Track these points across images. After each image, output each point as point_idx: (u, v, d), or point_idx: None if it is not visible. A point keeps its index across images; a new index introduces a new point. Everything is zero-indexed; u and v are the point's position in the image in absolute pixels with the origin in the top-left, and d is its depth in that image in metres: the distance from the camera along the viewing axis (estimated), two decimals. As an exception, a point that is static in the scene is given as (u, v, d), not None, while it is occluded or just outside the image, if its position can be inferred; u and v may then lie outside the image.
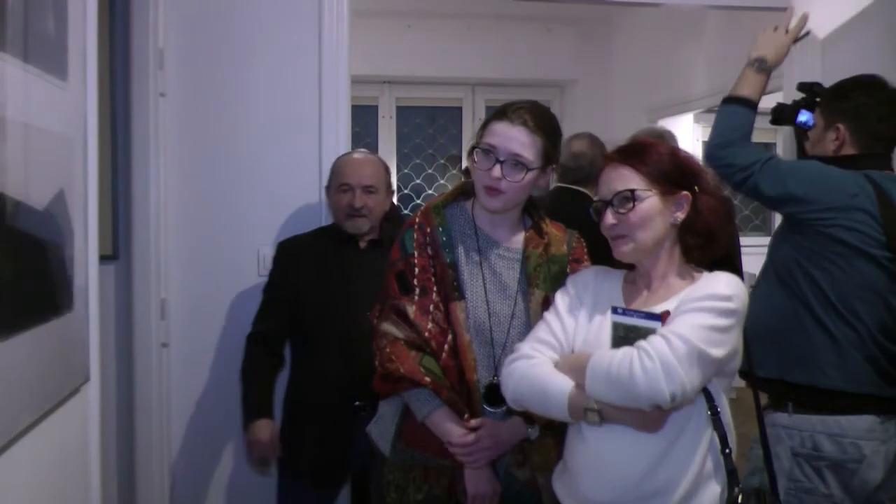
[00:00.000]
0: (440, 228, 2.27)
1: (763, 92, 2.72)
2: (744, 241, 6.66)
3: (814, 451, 2.53)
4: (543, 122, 2.20)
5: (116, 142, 3.01)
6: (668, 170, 1.96)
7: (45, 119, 1.62)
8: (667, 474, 1.86)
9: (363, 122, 7.33)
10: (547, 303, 2.20)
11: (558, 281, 2.23)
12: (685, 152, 2.03)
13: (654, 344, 1.78)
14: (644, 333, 1.86)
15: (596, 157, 3.14)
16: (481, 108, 7.51)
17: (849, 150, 2.65)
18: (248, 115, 3.17)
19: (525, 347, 2.01)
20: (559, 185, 3.66)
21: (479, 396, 2.20)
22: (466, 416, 2.18)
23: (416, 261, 2.25)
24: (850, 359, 2.50)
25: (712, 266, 2.02)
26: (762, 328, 2.60)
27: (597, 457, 1.94)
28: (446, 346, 2.20)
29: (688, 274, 1.99)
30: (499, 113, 2.20)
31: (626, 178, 1.95)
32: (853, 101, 2.66)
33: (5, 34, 1.41)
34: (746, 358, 2.68)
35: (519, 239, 2.30)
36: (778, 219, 3.69)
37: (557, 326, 2.03)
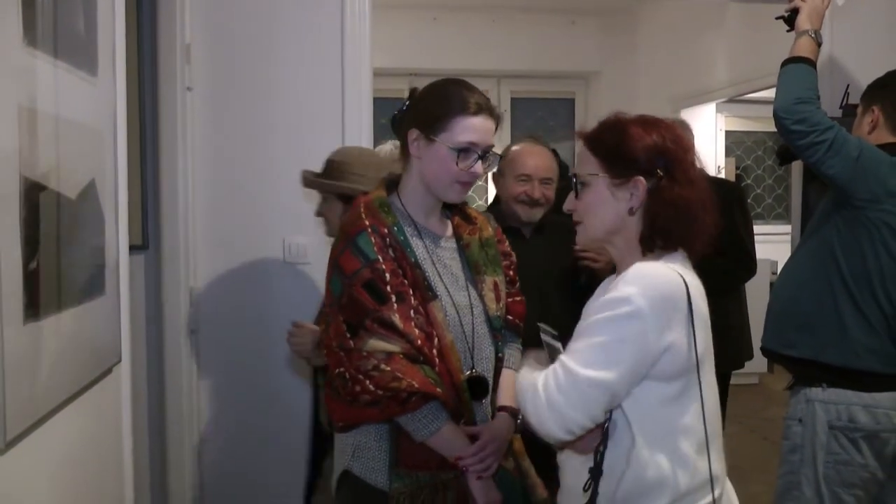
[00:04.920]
0: (395, 227, 2.11)
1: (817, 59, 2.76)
2: (766, 228, 6.72)
3: (850, 422, 2.63)
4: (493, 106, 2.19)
5: (145, 135, 3.09)
6: (621, 151, 1.78)
7: (77, 112, 1.71)
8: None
9: (389, 114, 7.38)
10: (496, 287, 2.19)
11: (498, 263, 2.23)
12: (659, 131, 1.79)
13: (546, 380, 1.70)
14: (556, 353, 1.79)
15: None
16: (507, 100, 7.56)
17: (882, 132, 2.75)
18: (272, 108, 3.24)
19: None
20: None
21: (467, 396, 2.10)
22: (463, 421, 2.10)
23: (382, 266, 2.05)
24: (880, 340, 2.61)
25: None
26: (795, 309, 2.70)
27: (559, 466, 1.94)
28: (434, 351, 2.07)
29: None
30: (466, 105, 2.10)
31: (582, 161, 1.84)
32: (889, 87, 2.78)
33: (36, 32, 1.49)
34: (773, 336, 2.77)
35: (448, 227, 2.24)
36: (794, 207, 3.75)
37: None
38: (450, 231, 2.23)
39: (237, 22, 3.21)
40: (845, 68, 3.54)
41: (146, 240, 3.15)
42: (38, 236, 1.49)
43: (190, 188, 3.16)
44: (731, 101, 6.05)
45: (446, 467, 2.07)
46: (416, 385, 1.98)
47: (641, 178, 1.76)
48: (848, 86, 3.39)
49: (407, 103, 2.25)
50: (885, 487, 2.69)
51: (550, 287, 2.77)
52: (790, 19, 2.86)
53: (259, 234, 3.25)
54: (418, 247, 2.13)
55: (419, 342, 2.03)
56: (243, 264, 3.26)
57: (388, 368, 1.98)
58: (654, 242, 1.79)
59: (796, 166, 3.79)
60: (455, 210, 2.26)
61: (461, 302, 2.14)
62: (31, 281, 1.46)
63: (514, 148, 3.01)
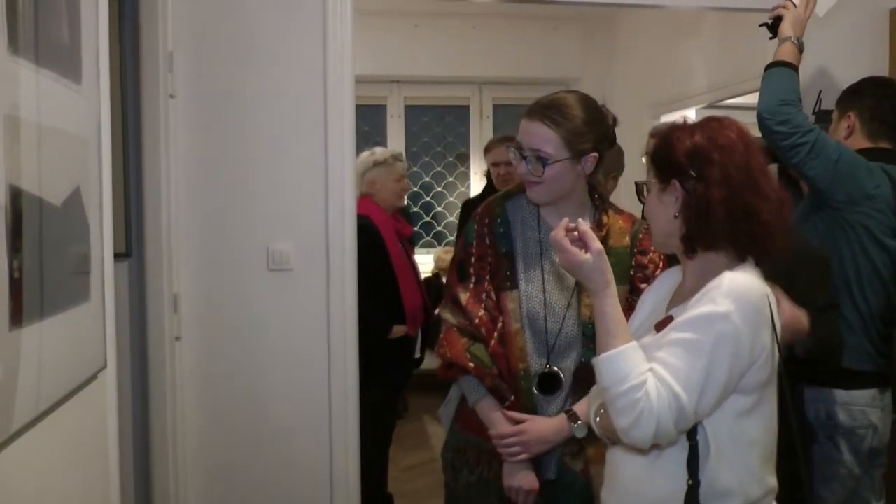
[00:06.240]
0: (498, 220, 2.34)
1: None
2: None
3: (828, 420, 2.70)
4: (565, 114, 2.21)
5: (128, 143, 3.09)
6: (663, 156, 1.82)
7: (61, 120, 1.71)
8: (656, 492, 1.78)
9: (372, 121, 7.43)
10: None
11: (615, 274, 2.15)
12: (702, 132, 1.79)
13: (658, 390, 1.66)
14: None
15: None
16: (488, 107, 7.61)
17: (858, 138, 2.83)
18: (255, 115, 3.25)
19: None
20: None
21: (526, 385, 2.24)
22: (507, 403, 2.24)
23: (473, 250, 2.34)
24: (857, 339, 2.67)
25: None
26: None
27: (609, 463, 1.93)
28: (496, 334, 2.26)
29: (713, 270, 1.76)
30: (526, 110, 2.26)
31: (647, 169, 1.90)
32: (863, 94, 2.87)
33: (19, 41, 1.50)
34: None
35: None
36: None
37: None
38: None
39: (220, 30, 3.22)
40: (818, 75, 3.60)
41: (130, 247, 3.15)
42: (22, 244, 1.50)
43: (173, 196, 3.16)
44: (710, 106, 6.08)
45: None
46: (449, 356, 2.27)
47: (676, 182, 1.79)
48: (821, 91, 3.45)
49: None
50: (860, 482, 2.73)
51: None
52: (773, 27, 2.95)
53: (242, 241, 3.26)
54: (529, 241, 2.31)
55: (477, 321, 2.28)
56: (227, 271, 3.26)
57: (442, 336, 2.33)
58: (690, 245, 1.80)
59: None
60: (599, 213, 2.33)
61: (556, 301, 2.26)
62: (16, 288, 1.46)
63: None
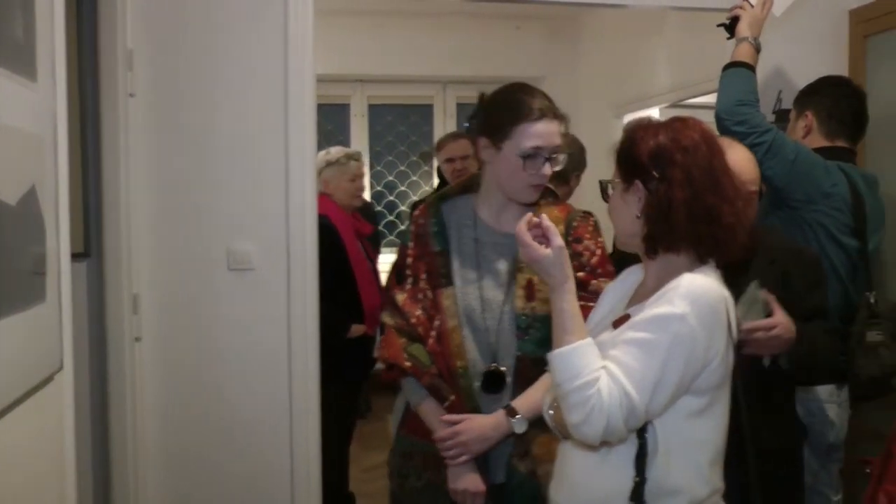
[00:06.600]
0: (433, 220, 2.36)
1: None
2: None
3: None
4: (556, 106, 2.25)
5: (86, 141, 3.05)
6: (627, 156, 1.82)
7: (15, 118, 1.69)
8: (603, 488, 1.78)
9: (336, 120, 7.41)
10: (531, 286, 2.21)
11: None
12: (666, 132, 1.79)
13: (609, 388, 1.65)
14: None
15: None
16: (452, 106, 7.61)
17: (816, 137, 2.86)
18: (215, 114, 3.22)
19: None
20: None
21: (465, 383, 2.23)
22: (448, 403, 2.22)
23: (410, 252, 2.36)
24: None
25: None
26: None
27: (560, 457, 1.93)
28: (433, 332, 2.25)
29: (673, 272, 1.77)
30: (528, 113, 2.19)
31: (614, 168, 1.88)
32: (821, 93, 2.91)
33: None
34: None
35: None
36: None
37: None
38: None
39: (180, 28, 3.19)
40: (777, 74, 3.64)
41: (88, 247, 3.10)
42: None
43: (132, 195, 3.12)
44: (673, 105, 6.14)
45: None
46: (387, 356, 2.29)
47: (639, 182, 1.79)
48: (780, 91, 3.49)
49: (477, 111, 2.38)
50: (818, 477, 2.77)
51: None
52: (731, 27, 2.98)
53: (203, 240, 3.24)
54: (465, 240, 2.32)
55: (414, 321, 2.28)
56: (187, 271, 3.24)
57: (382, 338, 2.35)
58: (651, 245, 1.80)
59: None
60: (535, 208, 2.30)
61: (492, 297, 2.26)
62: (-31, 289, 1.44)
63: None
